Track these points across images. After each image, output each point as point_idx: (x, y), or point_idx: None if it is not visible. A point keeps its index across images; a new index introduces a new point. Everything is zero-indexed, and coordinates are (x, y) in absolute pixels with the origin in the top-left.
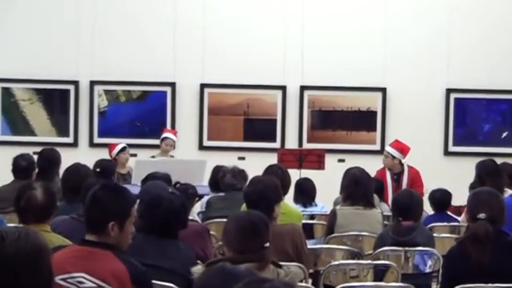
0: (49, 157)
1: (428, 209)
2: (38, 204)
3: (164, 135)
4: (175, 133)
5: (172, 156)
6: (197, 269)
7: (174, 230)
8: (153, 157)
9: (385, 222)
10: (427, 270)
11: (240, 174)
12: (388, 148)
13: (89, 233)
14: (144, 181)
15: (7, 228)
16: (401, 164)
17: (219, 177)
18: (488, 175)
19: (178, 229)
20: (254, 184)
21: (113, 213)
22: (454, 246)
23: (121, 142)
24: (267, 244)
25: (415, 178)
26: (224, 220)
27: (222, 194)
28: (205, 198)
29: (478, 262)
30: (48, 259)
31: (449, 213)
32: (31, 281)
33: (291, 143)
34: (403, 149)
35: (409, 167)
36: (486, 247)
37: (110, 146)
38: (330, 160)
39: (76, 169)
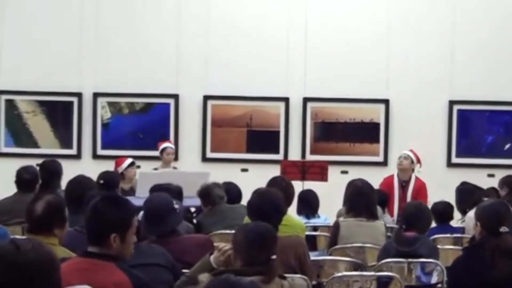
0: (50, 168)
1: None
2: (35, 216)
3: (163, 145)
4: (171, 142)
5: (174, 168)
6: (204, 277)
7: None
8: (155, 169)
9: (389, 234)
10: (431, 282)
11: (222, 185)
12: (407, 152)
13: (91, 245)
14: (155, 192)
15: (20, 239)
16: (412, 171)
17: (204, 195)
18: None
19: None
20: (258, 197)
21: (114, 225)
22: (460, 257)
23: (124, 155)
24: (274, 257)
25: (421, 190)
26: (227, 231)
27: (204, 211)
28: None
29: (507, 276)
30: (59, 271)
31: (452, 224)
32: None
33: (294, 154)
34: (418, 159)
35: (417, 178)
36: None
37: (117, 161)
38: (333, 172)
39: (80, 181)
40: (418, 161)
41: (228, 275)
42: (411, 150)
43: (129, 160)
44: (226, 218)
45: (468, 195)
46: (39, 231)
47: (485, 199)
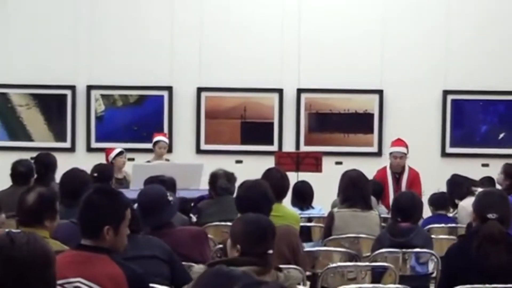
0: (45, 161)
1: (425, 211)
2: (26, 207)
3: (156, 138)
4: (165, 136)
5: (167, 160)
6: (199, 268)
7: (139, 226)
8: (148, 161)
9: (383, 224)
10: (425, 271)
11: (231, 177)
12: (399, 149)
13: (85, 238)
14: (149, 184)
15: (15, 232)
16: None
17: (211, 182)
18: None
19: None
20: (245, 190)
21: (107, 218)
22: (455, 244)
23: (118, 147)
24: (271, 251)
25: (415, 180)
26: (222, 223)
27: (210, 200)
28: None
29: (496, 263)
30: (54, 266)
31: (446, 214)
32: (38, 286)
33: (288, 146)
34: (407, 144)
35: (410, 168)
36: (501, 247)
37: (107, 151)
38: (327, 163)
39: (74, 174)
40: (407, 146)
41: (221, 266)
42: (397, 142)
43: (117, 150)
44: (225, 211)
45: (457, 187)
46: (30, 223)
47: (474, 188)
